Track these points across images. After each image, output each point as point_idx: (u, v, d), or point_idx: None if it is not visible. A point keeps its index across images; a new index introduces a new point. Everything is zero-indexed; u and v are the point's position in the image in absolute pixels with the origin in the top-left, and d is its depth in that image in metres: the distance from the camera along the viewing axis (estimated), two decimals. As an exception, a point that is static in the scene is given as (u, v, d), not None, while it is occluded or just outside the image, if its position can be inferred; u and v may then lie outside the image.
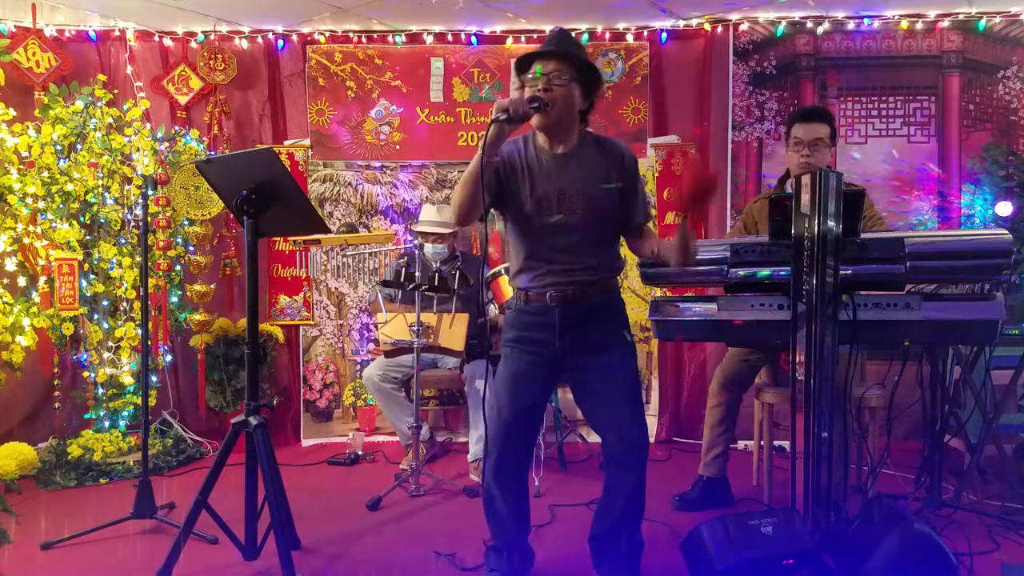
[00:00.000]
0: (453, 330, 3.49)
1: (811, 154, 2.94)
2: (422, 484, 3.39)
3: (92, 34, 4.26)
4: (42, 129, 3.65)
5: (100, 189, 3.74)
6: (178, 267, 3.99)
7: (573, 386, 2.39)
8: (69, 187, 3.65)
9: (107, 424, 3.86)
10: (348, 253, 3.70)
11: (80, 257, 3.69)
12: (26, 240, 3.60)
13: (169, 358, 4.13)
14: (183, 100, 4.31)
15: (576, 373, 2.33)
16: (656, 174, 4.38)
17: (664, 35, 4.38)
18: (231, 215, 3.63)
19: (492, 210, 2.35)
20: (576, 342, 2.27)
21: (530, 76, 2.19)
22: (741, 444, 4.08)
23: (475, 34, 4.40)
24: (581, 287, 2.25)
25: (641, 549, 2.38)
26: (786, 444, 3.88)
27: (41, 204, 3.62)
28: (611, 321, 2.32)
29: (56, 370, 3.80)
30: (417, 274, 3.36)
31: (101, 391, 3.85)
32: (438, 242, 3.82)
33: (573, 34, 4.30)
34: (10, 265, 3.62)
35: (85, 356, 3.84)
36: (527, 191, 2.24)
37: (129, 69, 4.28)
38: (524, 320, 2.32)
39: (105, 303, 3.84)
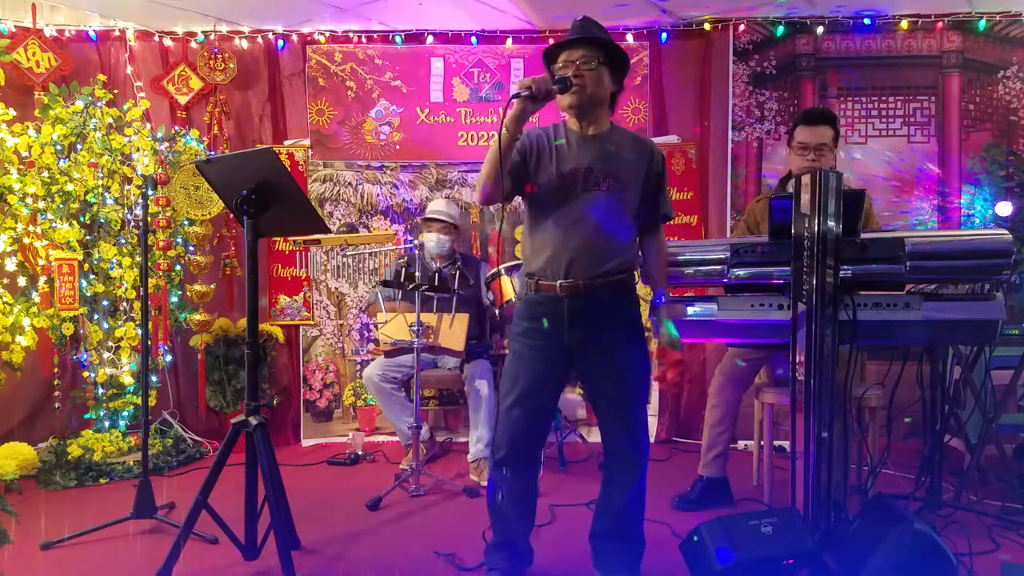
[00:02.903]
0: (453, 330, 3.49)
1: (816, 159, 2.91)
2: (422, 484, 3.39)
3: (92, 34, 4.26)
4: (42, 129, 3.65)
5: (100, 189, 3.74)
6: (178, 267, 3.99)
7: (582, 379, 2.38)
8: (69, 187, 3.65)
9: (107, 424, 3.86)
10: (348, 253, 3.70)
11: (80, 257, 3.69)
12: (26, 240, 3.60)
13: (169, 358, 4.13)
14: (183, 100, 4.31)
15: (586, 367, 2.31)
16: (656, 174, 4.37)
17: (664, 35, 4.38)
18: (231, 215, 3.62)
19: (515, 197, 2.33)
20: (587, 335, 2.23)
21: (559, 65, 2.20)
22: (741, 444, 4.08)
23: (475, 34, 4.40)
24: (594, 276, 2.21)
25: (642, 548, 2.38)
26: (786, 444, 3.89)
27: (41, 204, 3.62)
28: (624, 316, 2.30)
29: (56, 370, 3.80)
30: (417, 274, 3.36)
31: (101, 391, 3.85)
32: (443, 232, 3.81)
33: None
34: (10, 265, 3.62)
35: (85, 356, 3.84)
36: (554, 169, 2.23)
37: (129, 69, 4.29)
38: (533, 311, 2.27)
39: (105, 303, 3.84)
